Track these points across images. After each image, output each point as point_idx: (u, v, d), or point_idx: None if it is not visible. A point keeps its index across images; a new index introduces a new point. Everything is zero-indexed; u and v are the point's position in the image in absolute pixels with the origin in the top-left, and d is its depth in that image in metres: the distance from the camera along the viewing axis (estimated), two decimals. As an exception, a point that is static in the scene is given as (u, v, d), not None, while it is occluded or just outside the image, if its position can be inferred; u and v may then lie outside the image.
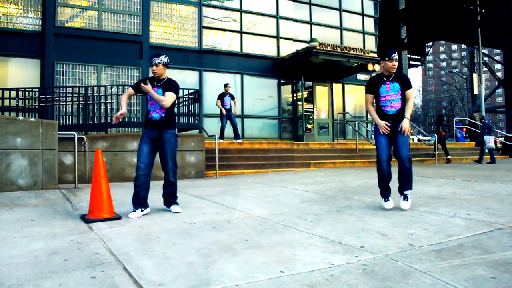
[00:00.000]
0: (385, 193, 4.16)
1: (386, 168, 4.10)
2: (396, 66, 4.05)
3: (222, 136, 10.48)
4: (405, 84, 4.06)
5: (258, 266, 2.32)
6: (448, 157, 12.43)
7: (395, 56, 4.03)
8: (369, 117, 15.96)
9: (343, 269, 2.26)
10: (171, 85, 4.09)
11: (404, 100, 4.06)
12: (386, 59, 4.03)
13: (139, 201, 3.95)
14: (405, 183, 4.06)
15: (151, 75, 4.23)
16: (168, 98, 3.99)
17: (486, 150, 11.86)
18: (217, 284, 2.04)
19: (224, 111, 10.53)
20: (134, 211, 3.90)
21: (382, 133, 4.10)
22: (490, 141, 11.78)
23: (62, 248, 2.73)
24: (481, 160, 11.80)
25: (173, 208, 4.19)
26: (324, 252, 2.60)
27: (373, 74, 16.43)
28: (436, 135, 12.73)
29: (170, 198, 4.24)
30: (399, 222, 3.49)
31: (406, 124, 3.99)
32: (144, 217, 3.85)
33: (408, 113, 4.05)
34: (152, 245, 2.82)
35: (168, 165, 4.10)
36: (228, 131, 10.88)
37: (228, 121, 10.67)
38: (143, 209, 3.97)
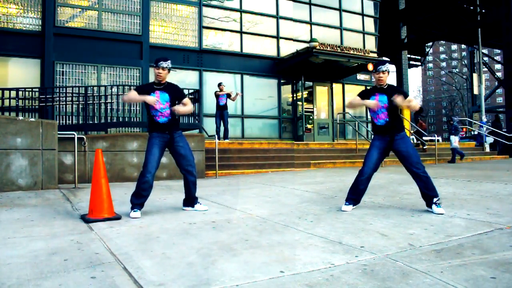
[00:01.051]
0: (351, 201, 4.19)
1: (364, 183, 4.12)
2: (383, 78, 4.03)
3: (218, 136, 10.52)
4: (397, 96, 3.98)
5: (258, 266, 2.32)
6: (424, 147, 13.50)
7: (382, 68, 4.03)
8: (369, 117, 15.96)
9: (343, 269, 2.26)
10: (178, 90, 4.16)
11: (393, 113, 4.02)
12: (373, 71, 4.10)
13: (141, 202, 3.98)
14: (430, 195, 3.90)
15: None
16: (190, 105, 4.18)
17: (457, 149, 12.59)
18: (217, 284, 2.04)
19: (218, 110, 10.69)
20: (135, 211, 3.90)
21: (377, 146, 4.08)
22: (455, 141, 12.52)
23: (62, 248, 2.73)
24: (454, 160, 12.34)
25: (198, 206, 4.25)
26: (324, 252, 2.60)
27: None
28: (416, 127, 13.71)
29: (195, 197, 4.28)
30: (399, 222, 3.49)
31: (400, 98, 3.86)
32: (144, 217, 3.85)
33: (412, 101, 3.98)
34: (152, 245, 2.82)
35: (191, 163, 4.12)
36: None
37: (221, 121, 10.72)
38: (141, 209, 4.00)
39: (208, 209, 4.26)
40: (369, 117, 15.83)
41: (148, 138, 4.10)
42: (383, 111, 4.03)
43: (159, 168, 4.31)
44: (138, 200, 3.95)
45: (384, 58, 17.84)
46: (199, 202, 4.32)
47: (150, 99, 3.91)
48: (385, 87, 4.08)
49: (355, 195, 4.18)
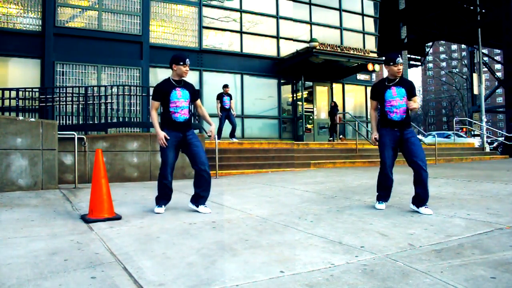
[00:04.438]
0: (383, 198, 4.16)
1: (391, 174, 4.01)
2: (401, 70, 3.98)
3: (219, 136, 10.51)
4: (411, 91, 3.99)
5: (258, 266, 2.32)
6: (340, 136, 14.77)
7: (400, 59, 3.96)
8: (369, 117, 15.98)
9: (343, 269, 2.26)
10: (194, 89, 4.18)
11: (407, 108, 3.99)
12: (391, 64, 3.93)
13: (167, 198, 4.17)
14: (425, 195, 3.82)
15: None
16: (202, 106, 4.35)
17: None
18: (217, 284, 2.04)
19: (220, 114, 10.60)
20: (159, 206, 4.11)
21: (389, 144, 3.99)
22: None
23: (62, 248, 2.73)
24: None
25: (202, 208, 4.10)
26: (324, 252, 2.60)
27: (373, 74, 16.46)
28: (331, 121, 14.29)
29: (203, 196, 4.13)
30: (399, 222, 3.49)
31: (415, 103, 3.93)
32: (144, 217, 3.85)
33: (413, 104, 3.97)
34: (152, 245, 2.82)
35: (204, 160, 4.06)
36: (225, 131, 10.93)
37: (226, 120, 10.72)
38: (166, 205, 4.21)
39: (211, 211, 4.10)
40: (369, 117, 15.83)
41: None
42: (403, 105, 3.94)
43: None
44: (165, 199, 4.16)
45: (384, 58, 17.86)
46: (204, 204, 4.15)
47: (159, 136, 3.93)
48: (398, 79, 4.00)
49: (387, 190, 4.11)
